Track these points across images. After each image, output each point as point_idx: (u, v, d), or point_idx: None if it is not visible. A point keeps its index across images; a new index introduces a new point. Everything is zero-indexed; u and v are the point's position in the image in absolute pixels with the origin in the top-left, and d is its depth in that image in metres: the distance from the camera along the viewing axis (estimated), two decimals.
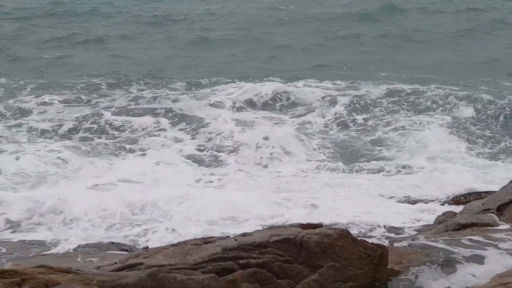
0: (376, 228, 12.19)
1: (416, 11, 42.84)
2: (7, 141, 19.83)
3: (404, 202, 14.52)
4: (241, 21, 41.71)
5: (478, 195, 13.27)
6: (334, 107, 23.07)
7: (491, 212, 10.83)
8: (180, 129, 21.47)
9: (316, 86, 25.69)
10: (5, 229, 13.27)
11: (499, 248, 8.90)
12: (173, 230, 13.08)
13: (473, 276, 8.07)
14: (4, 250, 11.11)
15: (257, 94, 24.67)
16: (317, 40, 36.17)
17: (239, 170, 17.89)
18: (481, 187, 14.93)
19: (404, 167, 17.60)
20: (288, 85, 25.83)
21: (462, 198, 13.49)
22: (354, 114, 22.56)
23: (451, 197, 14.07)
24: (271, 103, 24.20)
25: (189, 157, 18.98)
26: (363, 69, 29.44)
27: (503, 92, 24.37)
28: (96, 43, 36.06)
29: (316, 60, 31.31)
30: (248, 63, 31.62)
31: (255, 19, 41.88)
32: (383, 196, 15.28)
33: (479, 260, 8.50)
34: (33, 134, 20.79)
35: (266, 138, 20.16)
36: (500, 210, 10.82)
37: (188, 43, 36.13)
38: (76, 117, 22.27)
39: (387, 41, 35.45)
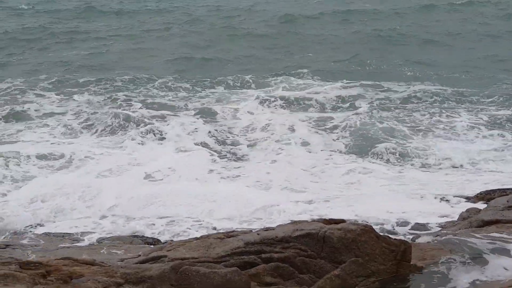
0: (399, 224, 12.13)
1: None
2: None
3: (428, 198, 14.41)
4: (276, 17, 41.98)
5: (503, 191, 13.11)
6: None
7: None
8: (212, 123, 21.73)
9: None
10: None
11: None
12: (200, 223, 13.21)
13: (504, 269, 8.04)
14: (29, 242, 11.22)
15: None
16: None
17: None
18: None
19: (428, 164, 17.52)
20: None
21: (487, 194, 13.34)
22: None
23: (476, 194, 13.93)
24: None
25: (216, 150, 19.17)
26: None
27: None
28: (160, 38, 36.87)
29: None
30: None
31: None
32: (407, 192, 15.23)
33: (503, 256, 8.44)
34: None
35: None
36: None
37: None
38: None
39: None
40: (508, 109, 21.90)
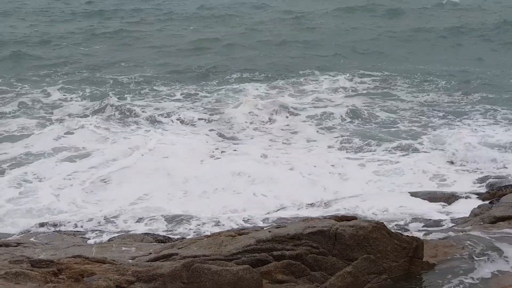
0: (411, 221, 12.08)
1: None
2: None
3: (439, 194, 14.35)
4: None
5: None
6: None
7: None
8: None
9: None
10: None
11: None
12: None
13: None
14: (40, 240, 11.23)
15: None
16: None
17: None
18: None
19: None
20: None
21: (498, 191, 13.27)
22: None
23: (487, 190, 13.87)
24: None
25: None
26: None
27: None
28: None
29: None
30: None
31: None
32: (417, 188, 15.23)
33: None
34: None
35: None
36: None
37: None
38: None
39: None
40: None
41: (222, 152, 18.83)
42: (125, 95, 24.76)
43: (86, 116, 22.22)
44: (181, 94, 25.06)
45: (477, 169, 16.50)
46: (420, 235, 9.61)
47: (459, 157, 17.24)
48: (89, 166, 17.29)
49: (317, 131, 20.46)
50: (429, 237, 9.53)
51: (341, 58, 31.12)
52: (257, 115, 21.92)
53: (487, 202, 12.51)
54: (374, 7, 44.16)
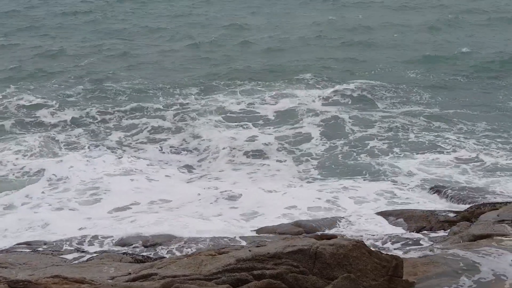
0: (391, 240, 12.12)
1: None
2: None
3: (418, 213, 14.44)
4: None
5: (493, 206, 13.16)
6: None
7: (506, 223, 10.76)
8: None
9: None
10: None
11: None
12: None
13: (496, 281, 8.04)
14: (18, 260, 11.10)
15: None
16: None
17: None
18: None
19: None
20: None
21: (477, 209, 13.36)
22: None
23: (466, 209, 13.96)
24: None
25: None
26: None
27: None
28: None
29: None
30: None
31: None
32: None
33: (494, 269, 8.43)
34: None
35: None
36: None
37: None
38: None
39: None
40: None
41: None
42: None
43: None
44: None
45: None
46: (399, 253, 9.64)
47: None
48: (64, 185, 17.35)
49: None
50: (408, 256, 9.56)
51: None
52: None
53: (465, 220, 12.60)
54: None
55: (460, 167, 18.36)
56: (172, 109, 24.84)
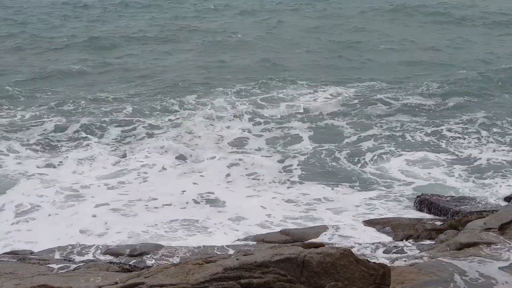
0: (378, 248, 12.14)
1: None
2: None
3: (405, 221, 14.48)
4: None
5: (480, 214, 13.22)
6: None
7: (493, 231, 10.80)
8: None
9: None
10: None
11: (500, 267, 8.87)
12: None
13: None
14: (4, 269, 11.02)
15: None
16: None
17: None
18: None
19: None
20: None
21: (464, 217, 13.41)
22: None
23: (453, 217, 14.01)
24: None
25: None
26: None
27: None
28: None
29: None
30: None
31: None
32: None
33: (481, 278, 8.46)
34: None
35: None
36: (502, 229, 10.79)
37: None
38: None
39: None
40: None
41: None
42: None
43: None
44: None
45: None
46: (386, 262, 9.65)
47: None
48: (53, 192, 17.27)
49: None
50: (395, 264, 9.57)
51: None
52: None
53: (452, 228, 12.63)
54: None
55: (450, 170, 18.46)
56: (158, 110, 25.02)
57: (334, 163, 19.68)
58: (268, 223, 15.20)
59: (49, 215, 15.74)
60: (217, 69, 32.49)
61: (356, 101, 26.20)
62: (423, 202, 15.56)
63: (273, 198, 16.95)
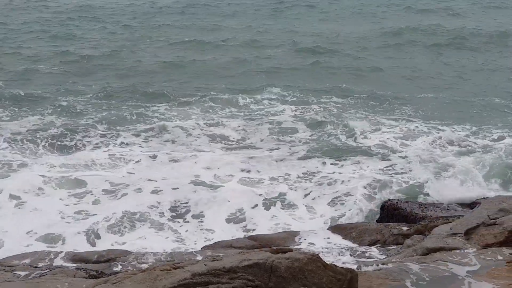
0: (344, 253, 12.21)
1: None
2: None
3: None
4: None
5: (446, 219, 13.35)
6: None
7: (459, 236, 10.93)
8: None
9: None
10: None
11: (466, 271, 8.98)
12: None
13: None
14: None
15: None
16: None
17: None
18: None
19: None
20: None
21: (430, 222, 13.53)
22: None
23: (419, 222, 14.11)
24: None
25: None
26: None
27: None
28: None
29: None
30: None
31: None
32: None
33: (447, 282, 8.56)
34: None
35: None
36: (468, 234, 10.92)
37: None
38: None
39: None
40: None
41: None
42: None
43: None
44: None
45: None
46: (353, 267, 9.71)
47: None
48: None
49: None
50: (362, 269, 9.63)
51: None
52: None
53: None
54: None
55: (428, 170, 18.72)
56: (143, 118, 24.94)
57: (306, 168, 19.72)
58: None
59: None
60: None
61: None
62: (389, 208, 15.66)
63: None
